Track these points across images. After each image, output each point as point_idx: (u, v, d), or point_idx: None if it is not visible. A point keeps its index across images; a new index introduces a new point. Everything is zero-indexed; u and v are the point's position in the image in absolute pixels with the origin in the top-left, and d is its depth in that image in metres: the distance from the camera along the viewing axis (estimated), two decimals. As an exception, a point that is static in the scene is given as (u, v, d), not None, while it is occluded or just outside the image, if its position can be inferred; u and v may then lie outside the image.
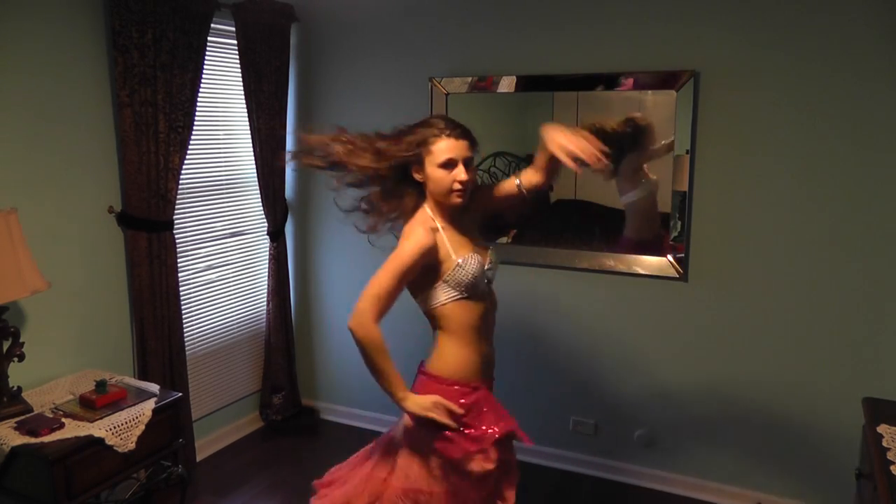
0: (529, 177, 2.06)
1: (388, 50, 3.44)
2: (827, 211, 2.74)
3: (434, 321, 2.00)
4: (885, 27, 2.55)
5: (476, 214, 2.10)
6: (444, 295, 1.95)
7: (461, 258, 1.92)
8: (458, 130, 1.92)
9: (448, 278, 1.93)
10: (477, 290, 1.95)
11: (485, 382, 2.01)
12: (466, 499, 1.92)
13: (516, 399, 2.75)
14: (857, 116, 2.64)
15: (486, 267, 1.98)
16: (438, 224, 1.96)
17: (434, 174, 1.91)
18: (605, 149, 1.83)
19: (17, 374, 2.37)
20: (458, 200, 1.93)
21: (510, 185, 2.09)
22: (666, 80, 2.87)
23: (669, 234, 2.99)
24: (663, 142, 2.93)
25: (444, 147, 1.89)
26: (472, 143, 1.93)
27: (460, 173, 1.89)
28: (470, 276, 1.92)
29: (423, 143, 1.91)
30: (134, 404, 2.41)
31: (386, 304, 1.86)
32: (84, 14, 2.65)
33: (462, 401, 1.91)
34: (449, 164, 1.90)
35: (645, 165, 3.01)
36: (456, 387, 1.93)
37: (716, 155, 2.88)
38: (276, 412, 3.74)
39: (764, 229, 2.85)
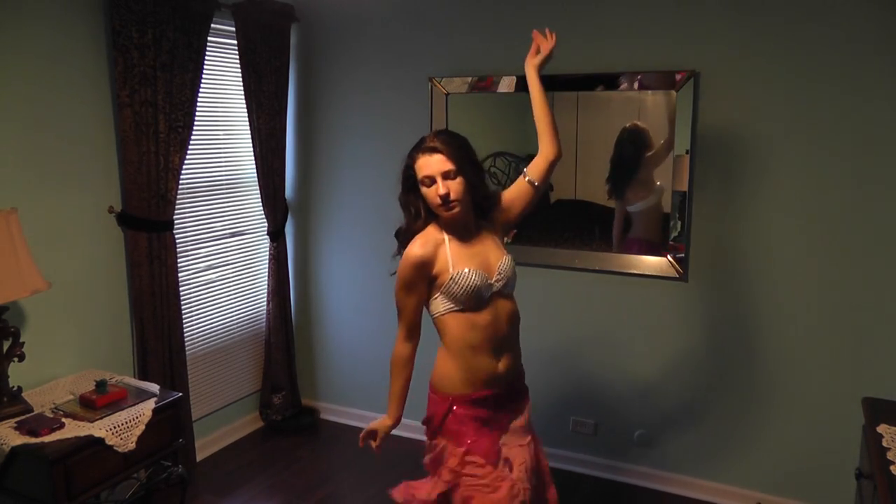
0: (534, 167, 2.09)
1: (388, 50, 3.44)
2: (827, 210, 2.74)
3: (438, 331, 2.04)
4: (885, 27, 2.55)
5: (498, 226, 2.11)
6: (441, 306, 1.98)
7: (455, 271, 1.93)
8: (431, 145, 1.92)
9: (445, 290, 1.95)
10: (476, 303, 1.96)
11: (489, 393, 2.00)
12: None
13: (516, 399, 2.74)
14: (857, 116, 2.64)
15: (490, 280, 1.97)
16: (445, 237, 1.98)
17: (423, 192, 1.95)
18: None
19: (17, 374, 2.37)
20: (448, 213, 1.94)
21: (520, 185, 2.11)
22: (666, 80, 2.87)
23: (669, 234, 2.99)
24: (661, 141, 2.93)
25: (419, 165, 1.93)
26: (451, 155, 1.91)
27: (438, 188, 1.90)
28: (462, 289, 1.93)
29: (411, 166, 1.96)
30: (134, 404, 2.41)
31: (406, 320, 2.02)
32: (84, 14, 2.65)
33: (460, 411, 2.00)
34: (428, 181, 1.92)
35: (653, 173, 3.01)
36: (449, 400, 2.02)
37: (716, 155, 2.88)
38: (276, 412, 3.74)
39: (764, 229, 2.85)
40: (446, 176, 1.90)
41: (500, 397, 2.02)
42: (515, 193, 2.11)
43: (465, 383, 1.99)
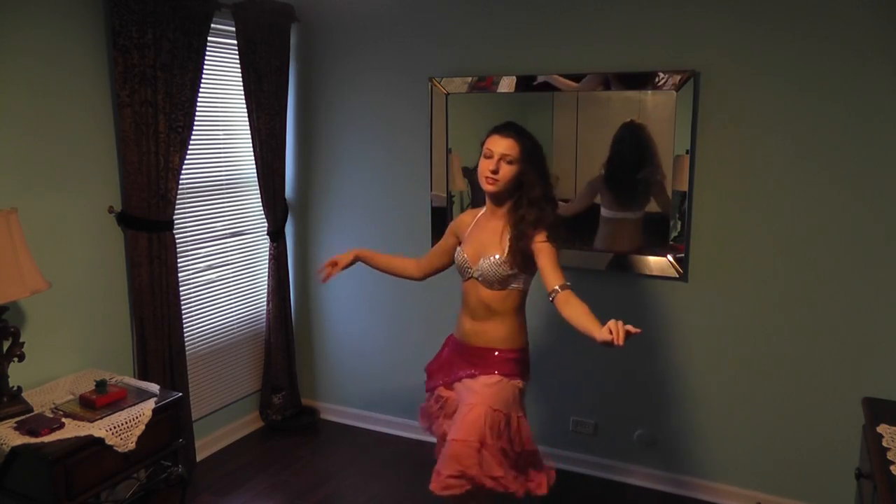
0: (561, 304, 2.19)
1: (388, 50, 3.44)
2: (827, 211, 2.74)
3: None
4: (886, 26, 2.55)
5: (525, 242, 2.28)
6: None
7: (458, 248, 2.45)
8: (508, 132, 2.28)
9: None
10: (461, 275, 2.44)
11: (458, 340, 2.48)
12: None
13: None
14: (857, 116, 2.64)
15: (469, 267, 2.38)
16: (481, 211, 2.46)
17: (480, 161, 2.32)
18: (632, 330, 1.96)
19: (17, 374, 2.37)
20: (486, 187, 2.29)
21: (547, 281, 2.23)
22: (665, 80, 2.86)
23: (669, 234, 2.99)
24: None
25: (491, 139, 2.29)
26: (519, 147, 2.25)
27: (491, 164, 2.25)
28: (455, 261, 2.46)
29: (484, 140, 2.32)
30: (134, 404, 2.41)
31: (431, 251, 2.67)
32: (84, 14, 2.65)
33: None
34: (488, 153, 2.28)
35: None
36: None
37: (716, 155, 2.88)
38: (276, 412, 3.74)
39: (764, 229, 2.85)
40: (504, 158, 2.24)
41: (459, 346, 2.45)
42: (544, 272, 2.25)
43: (457, 330, 2.49)
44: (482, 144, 2.32)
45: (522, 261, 2.28)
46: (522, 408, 2.35)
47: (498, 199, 2.34)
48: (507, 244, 2.29)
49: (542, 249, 2.23)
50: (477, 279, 2.34)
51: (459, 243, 2.48)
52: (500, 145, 2.25)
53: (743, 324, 2.94)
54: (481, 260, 2.33)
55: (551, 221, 2.27)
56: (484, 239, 2.36)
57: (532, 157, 2.27)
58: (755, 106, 2.79)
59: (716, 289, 2.97)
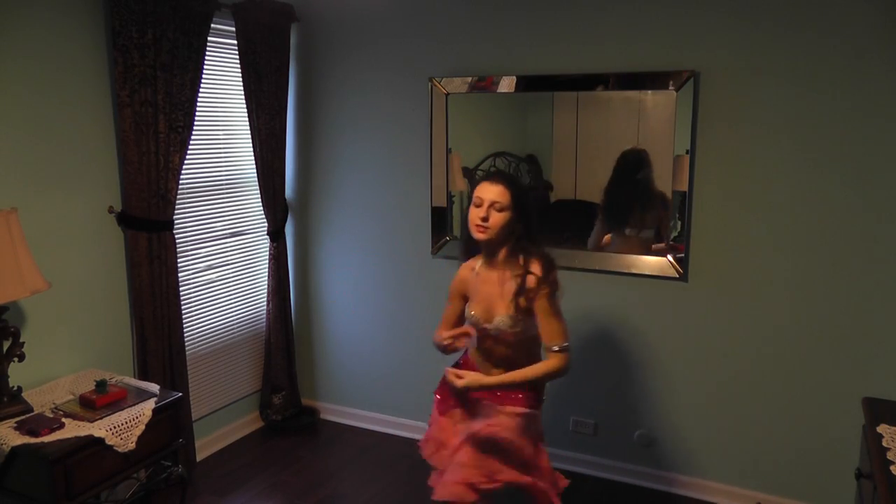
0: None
1: (388, 50, 3.44)
2: (827, 210, 2.74)
3: None
4: (885, 26, 2.55)
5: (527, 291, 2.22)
6: None
7: (469, 310, 2.33)
8: (497, 178, 2.23)
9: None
10: (478, 331, 2.30)
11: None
12: None
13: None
14: (858, 116, 2.64)
15: (481, 325, 2.27)
16: (478, 264, 2.33)
17: (470, 209, 2.26)
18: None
19: (17, 374, 2.37)
20: (477, 234, 2.21)
21: (543, 335, 2.24)
22: (666, 80, 2.86)
23: (669, 234, 2.99)
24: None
25: (479, 187, 2.23)
26: (509, 193, 2.19)
27: (481, 211, 2.19)
28: (468, 321, 2.32)
29: (474, 187, 2.27)
30: (134, 404, 2.41)
31: (444, 316, 2.41)
32: (84, 14, 2.65)
33: None
34: (478, 202, 2.21)
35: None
36: None
37: (716, 155, 2.88)
38: (276, 412, 3.74)
39: (764, 229, 2.85)
40: (494, 206, 2.18)
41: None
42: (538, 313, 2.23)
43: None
44: (472, 192, 2.27)
45: (527, 312, 2.22)
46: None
47: (491, 247, 2.25)
48: (510, 299, 2.21)
49: (541, 306, 2.19)
50: (493, 335, 2.27)
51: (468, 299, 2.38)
52: (490, 192, 2.18)
53: (743, 324, 2.94)
54: (496, 318, 2.24)
55: (551, 278, 2.22)
56: (488, 293, 2.27)
57: (521, 203, 2.21)
58: (755, 106, 2.79)
59: (716, 289, 2.97)
